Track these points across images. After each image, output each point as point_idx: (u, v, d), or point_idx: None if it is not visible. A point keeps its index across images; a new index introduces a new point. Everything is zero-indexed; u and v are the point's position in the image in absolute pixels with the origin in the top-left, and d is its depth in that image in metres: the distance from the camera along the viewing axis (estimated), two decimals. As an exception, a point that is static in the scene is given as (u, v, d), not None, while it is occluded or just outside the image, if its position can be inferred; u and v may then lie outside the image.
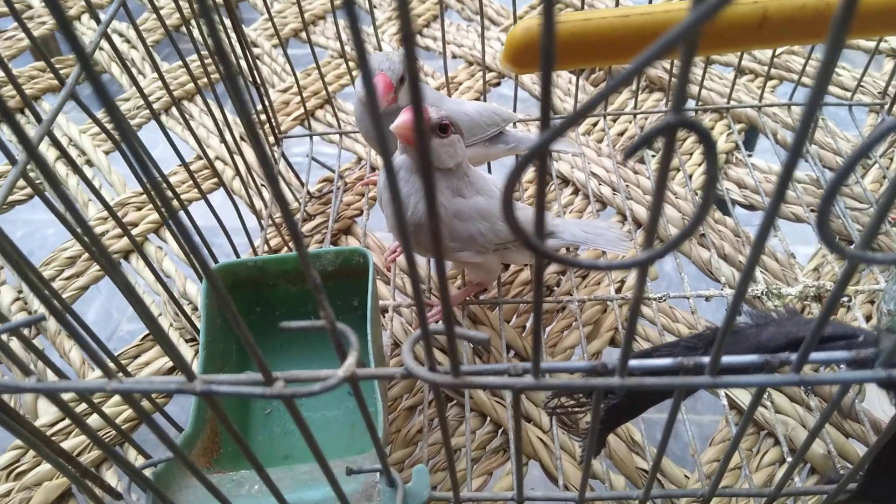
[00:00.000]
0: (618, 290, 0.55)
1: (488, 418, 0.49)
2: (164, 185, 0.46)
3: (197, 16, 0.50)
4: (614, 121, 0.70)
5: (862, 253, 0.19)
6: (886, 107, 0.62)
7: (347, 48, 0.84)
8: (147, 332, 0.56)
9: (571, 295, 0.54)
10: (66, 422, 0.50)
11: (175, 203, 0.62)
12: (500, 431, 0.48)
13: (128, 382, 0.23)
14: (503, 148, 0.55)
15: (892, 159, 0.64)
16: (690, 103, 0.71)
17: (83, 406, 0.50)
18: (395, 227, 0.45)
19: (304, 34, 0.86)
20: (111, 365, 0.40)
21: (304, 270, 0.20)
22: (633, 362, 0.23)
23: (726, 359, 0.24)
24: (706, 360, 0.24)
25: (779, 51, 0.75)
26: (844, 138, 0.65)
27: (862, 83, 0.66)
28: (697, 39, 0.15)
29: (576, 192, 0.65)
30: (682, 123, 0.15)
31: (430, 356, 0.23)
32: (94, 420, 0.50)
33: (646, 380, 0.23)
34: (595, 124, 0.70)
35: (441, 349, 0.52)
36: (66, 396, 0.49)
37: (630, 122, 0.70)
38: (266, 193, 0.65)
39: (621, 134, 0.69)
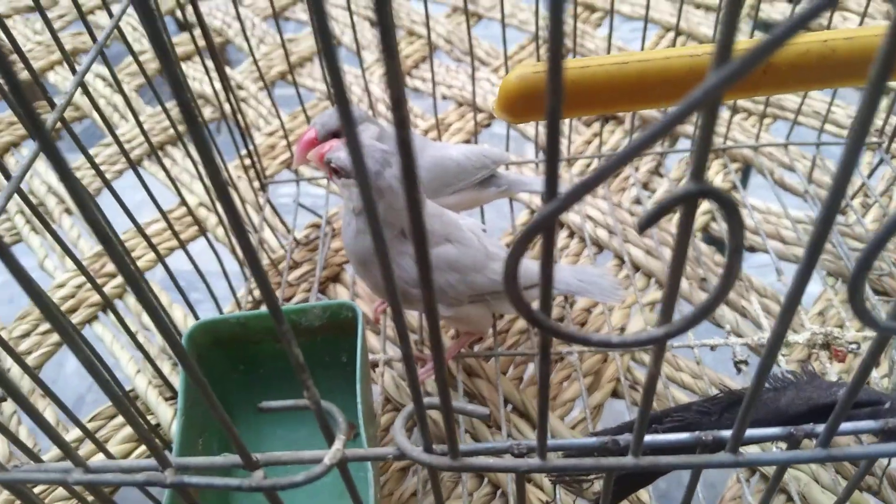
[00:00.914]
0: (622, 331, 0.53)
1: (486, 479, 0.47)
2: (141, 235, 0.44)
3: (163, 69, 0.48)
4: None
5: (894, 324, 0.17)
6: (884, 145, 0.61)
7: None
8: (127, 389, 0.54)
9: (570, 345, 0.52)
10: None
11: (150, 257, 0.60)
12: (498, 493, 0.46)
13: (93, 470, 0.21)
14: (495, 191, 0.54)
15: (891, 198, 0.63)
16: (685, 143, 0.70)
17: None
18: (377, 288, 0.44)
19: (286, 78, 0.85)
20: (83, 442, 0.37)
21: (287, 349, 0.18)
22: (646, 438, 0.21)
23: (748, 432, 0.22)
24: (725, 433, 0.22)
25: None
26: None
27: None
28: (720, 103, 0.13)
29: (571, 235, 0.63)
30: (703, 192, 0.14)
31: (425, 436, 0.21)
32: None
33: (661, 459, 0.21)
34: (588, 165, 0.69)
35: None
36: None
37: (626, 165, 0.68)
38: (252, 241, 0.63)
39: (616, 176, 0.68)
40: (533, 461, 0.21)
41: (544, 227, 0.14)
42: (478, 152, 0.51)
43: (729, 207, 0.14)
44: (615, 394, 0.51)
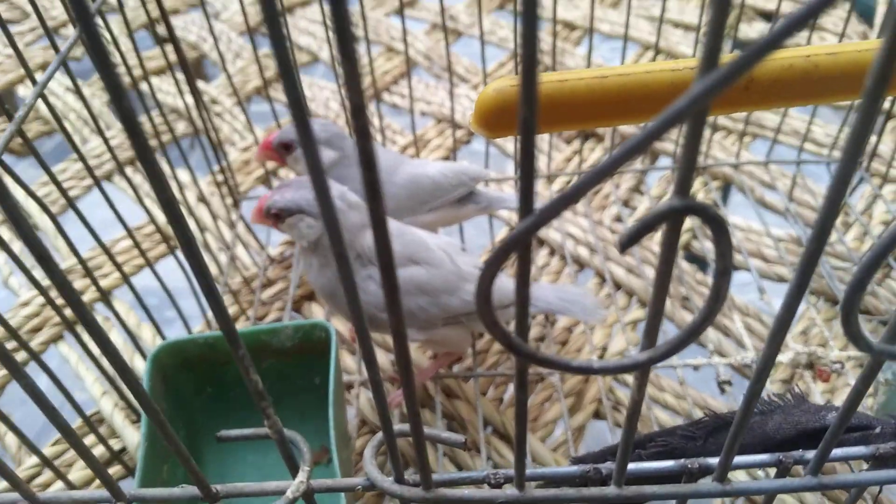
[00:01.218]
0: (600, 358, 0.52)
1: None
2: (106, 254, 0.43)
3: (110, 98, 0.47)
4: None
5: (888, 347, 0.16)
6: (864, 164, 0.61)
7: (312, 105, 0.82)
8: (90, 412, 0.52)
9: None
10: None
11: (118, 275, 0.58)
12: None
13: (43, 501, 0.20)
14: (474, 208, 0.53)
15: (871, 217, 0.62)
16: (666, 161, 0.69)
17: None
18: (349, 317, 0.43)
19: (262, 93, 0.84)
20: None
21: (244, 376, 0.17)
22: (630, 466, 0.20)
23: (736, 459, 0.21)
24: (712, 461, 0.21)
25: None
26: (822, 195, 0.64)
27: (838, 139, 0.65)
28: (707, 113, 0.12)
29: (552, 253, 0.62)
30: (688, 209, 0.13)
31: (396, 466, 0.20)
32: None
33: (646, 489, 0.20)
34: (569, 182, 0.69)
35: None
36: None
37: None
38: (223, 258, 0.61)
39: (596, 193, 0.67)
40: (511, 492, 0.20)
41: (520, 245, 0.13)
42: (455, 169, 0.50)
43: (717, 225, 0.13)
44: (597, 415, 0.50)
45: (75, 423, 0.51)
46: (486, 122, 0.28)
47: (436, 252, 0.42)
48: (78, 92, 0.38)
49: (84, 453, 0.20)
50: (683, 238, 0.62)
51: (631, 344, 0.53)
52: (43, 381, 0.41)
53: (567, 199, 0.12)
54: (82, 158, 0.39)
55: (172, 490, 0.21)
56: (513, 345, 0.15)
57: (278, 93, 0.84)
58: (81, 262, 0.38)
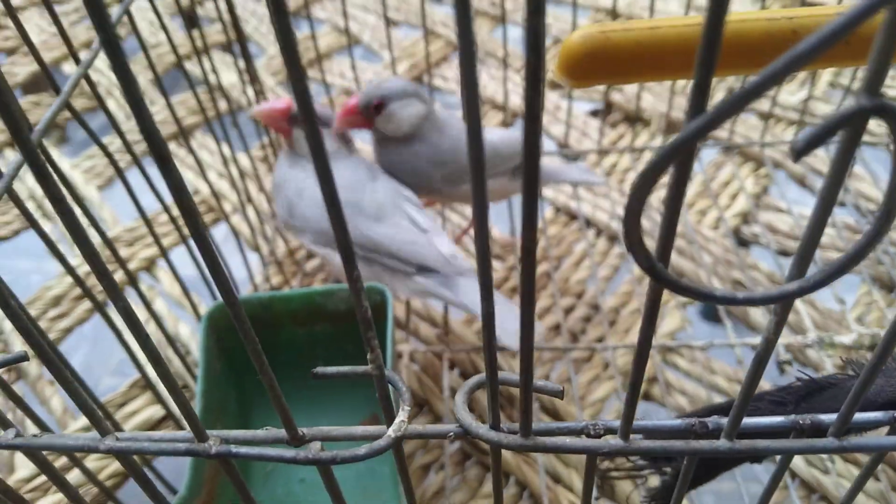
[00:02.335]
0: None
1: (512, 477, 0.44)
2: (166, 211, 0.42)
3: (200, 53, 0.47)
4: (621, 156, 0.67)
5: None
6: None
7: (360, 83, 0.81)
8: (135, 377, 0.52)
9: (602, 342, 0.50)
10: (44, 478, 0.45)
11: (172, 238, 0.58)
12: (525, 493, 0.44)
13: (125, 440, 0.19)
14: None
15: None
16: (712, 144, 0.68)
17: (63, 460, 0.45)
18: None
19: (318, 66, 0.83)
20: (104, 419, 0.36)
21: (354, 299, 0.16)
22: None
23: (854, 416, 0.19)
24: (825, 417, 0.20)
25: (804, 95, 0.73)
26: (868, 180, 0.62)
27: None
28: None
29: (598, 233, 0.61)
30: (880, 109, 0.12)
31: (495, 412, 0.19)
32: (74, 475, 0.45)
33: (759, 443, 0.19)
34: (619, 158, 0.67)
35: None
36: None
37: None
38: (268, 229, 0.61)
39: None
40: (615, 442, 0.19)
41: (684, 151, 0.12)
42: (514, 139, 0.49)
43: (905, 130, 0.12)
44: (648, 396, 0.49)
45: (123, 386, 0.51)
46: (573, 70, 0.27)
47: (366, 185, 0.45)
48: (146, 56, 0.38)
49: (173, 387, 0.19)
50: (732, 223, 0.61)
51: (686, 322, 0.52)
52: (75, 363, 0.41)
53: (748, 95, 0.11)
54: (122, 136, 0.38)
55: (257, 432, 0.20)
56: (654, 269, 0.14)
57: (316, 72, 0.83)
58: (169, 206, 0.37)
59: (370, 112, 0.45)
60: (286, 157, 0.48)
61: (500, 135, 0.48)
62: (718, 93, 0.75)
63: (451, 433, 0.20)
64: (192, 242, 0.58)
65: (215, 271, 0.16)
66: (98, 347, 0.58)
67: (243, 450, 0.18)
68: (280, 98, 0.47)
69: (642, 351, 0.16)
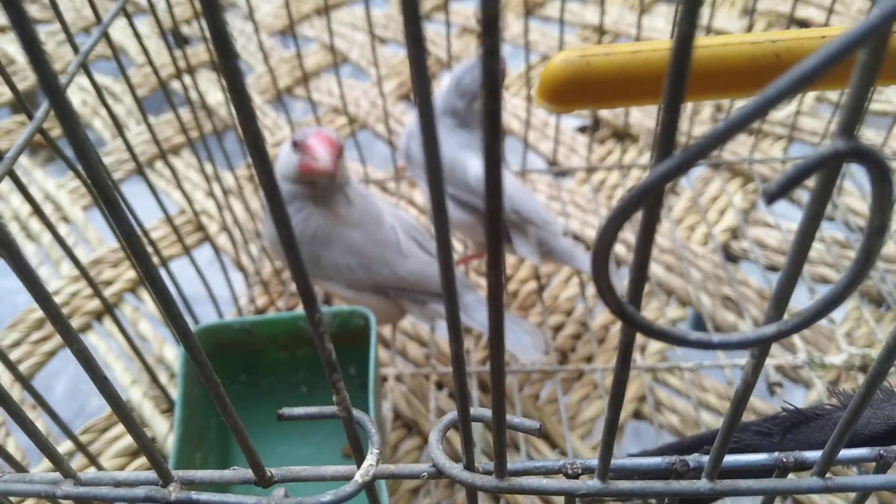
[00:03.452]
0: (642, 352, 0.50)
1: (502, 502, 0.44)
2: (143, 235, 0.41)
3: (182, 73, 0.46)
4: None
5: None
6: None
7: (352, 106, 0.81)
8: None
9: (591, 361, 0.49)
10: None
11: (154, 259, 0.57)
12: (515, 518, 0.43)
13: (87, 483, 0.18)
14: (530, 249, 0.47)
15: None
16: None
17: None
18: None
19: (292, 92, 0.83)
20: (76, 454, 0.35)
21: (317, 342, 0.15)
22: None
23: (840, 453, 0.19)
24: (809, 455, 0.19)
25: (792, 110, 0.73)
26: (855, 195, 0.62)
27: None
28: (886, 41, 0.11)
29: (588, 248, 0.61)
30: (855, 153, 0.11)
31: (469, 452, 0.18)
32: None
33: (741, 483, 0.18)
34: (606, 176, 0.67)
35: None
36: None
37: (620, 176, 0.66)
38: (254, 248, 0.60)
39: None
40: (593, 483, 0.18)
41: (653, 194, 0.12)
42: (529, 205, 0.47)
43: (882, 173, 0.11)
44: (637, 415, 0.48)
45: (106, 411, 0.51)
46: (554, 96, 0.26)
47: (384, 222, 0.44)
48: (98, 91, 0.37)
49: (132, 428, 0.18)
50: (721, 238, 0.60)
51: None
52: (60, 384, 0.39)
53: (720, 136, 0.11)
54: (128, 145, 0.38)
55: (224, 472, 0.20)
56: (625, 313, 0.13)
57: (303, 92, 0.83)
58: (121, 242, 0.36)
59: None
60: (301, 202, 0.42)
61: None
62: (706, 108, 0.75)
63: (425, 473, 0.20)
64: (172, 264, 0.58)
65: (170, 314, 0.15)
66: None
67: (205, 496, 0.17)
68: (318, 136, 0.40)
69: (617, 393, 0.16)
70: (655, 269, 0.57)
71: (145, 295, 0.59)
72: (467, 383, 0.17)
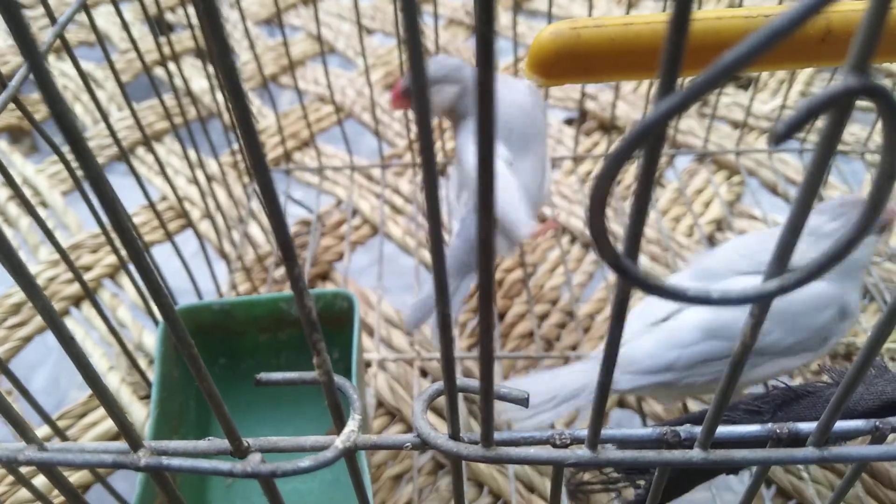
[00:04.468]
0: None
1: (486, 488, 0.43)
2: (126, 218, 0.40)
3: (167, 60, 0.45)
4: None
5: None
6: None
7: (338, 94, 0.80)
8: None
9: (576, 349, 0.49)
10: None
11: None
12: (499, 503, 0.42)
13: (53, 451, 0.17)
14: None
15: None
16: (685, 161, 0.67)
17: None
18: None
19: (278, 80, 0.82)
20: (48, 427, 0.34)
21: (296, 299, 0.15)
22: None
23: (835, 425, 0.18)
24: (803, 426, 0.19)
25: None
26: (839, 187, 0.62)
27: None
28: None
29: (573, 240, 0.60)
30: (866, 90, 0.11)
31: (454, 421, 0.18)
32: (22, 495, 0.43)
33: (734, 453, 0.18)
34: (590, 172, 0.67)
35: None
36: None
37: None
38: (236, 235, 0.59)
39: (619, 182, 0.65)
40: (582, 453, 0.18)
41: (653, 134, 0.11)
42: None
43: (892, 111, 0.11)
44: (622, 404, 0.48)
45: (83, 396, 0.50)
46: (543, 68, 0.26)
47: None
48: (80, 73, 0.36)
49: (99, 388, 0.18)
50: (708, 229, 0.60)
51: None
52: (40, 377, 0.38)
53: (720, 74, 0.10)
54: (111, 130, 0.37)
55: (198, 443, 0.19)
56: (621, 266, 0.13)
57: (289, 79, 0.82)
58: (101, 225, 0.36)
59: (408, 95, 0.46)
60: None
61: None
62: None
63: (408, 443, 0.19)
64: (155, 251, 0.57)
65: (152, 286, 0.14)
66: (65, 361, 0.56)
67: (175, 462, 0.16)
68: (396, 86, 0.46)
69: (611, 351, 0.15)
70: (640, 259, 0.57)
71: (124, 281, 0.58)
72: (454, 349, 0.16)
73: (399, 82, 0.46)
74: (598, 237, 0.12)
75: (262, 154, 0.13)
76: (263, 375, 0.18)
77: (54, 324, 0.15)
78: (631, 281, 0.13)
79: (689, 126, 0.70)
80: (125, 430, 0.18)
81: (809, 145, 0.65)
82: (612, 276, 0.55)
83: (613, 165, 0.11)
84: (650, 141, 0.11)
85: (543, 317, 0.53)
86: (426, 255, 0.58)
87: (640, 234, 0.13)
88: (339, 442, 0.17)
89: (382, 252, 0.56)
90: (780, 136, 0.11)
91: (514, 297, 0.55)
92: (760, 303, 0.14)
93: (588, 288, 0.57)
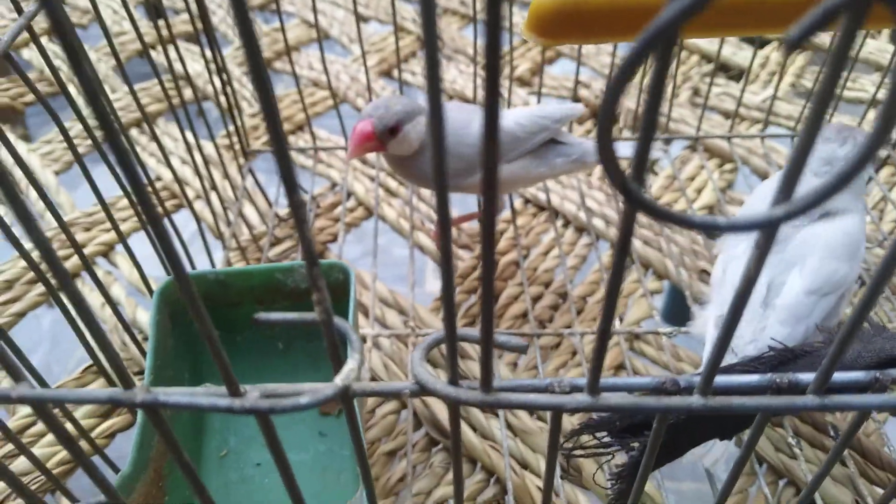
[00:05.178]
0: (620, 321, 0.50)
1: (479, 465, 0.43)
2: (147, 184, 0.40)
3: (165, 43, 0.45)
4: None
5: None
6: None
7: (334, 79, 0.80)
8: (88, 364, 0.49)
9: (570, 328, 0.49)
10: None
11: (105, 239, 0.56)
12: (492, 480, 0.42)
13: (43, 389, 0.17)
14: (563, 161, 0.47)
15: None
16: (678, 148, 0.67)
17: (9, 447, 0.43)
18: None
19: (272, 65, 0.82)
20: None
21: (297, 227, 0.15)
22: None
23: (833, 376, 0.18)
24: (803, 376, 0.19)
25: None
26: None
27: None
28: None
29: (566, 224, 0.60)
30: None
31: (453, 367, 0.18)
32: (20, 462, 0.42)
33: (734, 400, 0.18)
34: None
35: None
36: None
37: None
38: (230, 215, 0.59)
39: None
40: (582, 398, 0.18)
41: (665, 39, 0.11)
42: (532, 114, 0.45)
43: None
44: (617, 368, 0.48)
45: (80, 369, 0.49)
46: (542, 28, 0.25)
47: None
48: (112, 48, 0.36)
49: (95, 333, 0.17)
50: (699, 214, 0.60)
51: (652, 310, 0.51)
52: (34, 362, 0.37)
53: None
54: (111, 106, 0.36)
55: (195, 389, 0.19)
56: (628, 189, 0.13)
57: (285, 64, 0.81)
58: (125, 191, 0.35)
59: (385, 136, 0.43)
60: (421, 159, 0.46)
61: (514, 116, 0.45)
62: (683, 92, 0.75)
63: (408, 389, 0.19)
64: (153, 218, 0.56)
65: (161, 239, 0.14)
66: (58, 347, 0.56)
67: (172, 398, 0.16)
68: (359, 126, 0.43)
69: (612, 288, 0.15)
70: (633, 243, 0.57)
71: (119, 259, 0.58)
72: (454, 304, 0.16)
73: (361, 124, 0.43)
74: (606, 160, 0.12)
75: (275, 107, 0.13)
76: (262, 315, 0.18)
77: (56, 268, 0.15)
78: (637, 205, 0.13)
79: (682, 115, 0.70)
80: (120, 371, 0.17)
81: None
82: (605, 258, 0.55)
83: (624, 74, 0.11)
84: (660, 47, 0.11)
85: (537, 298, 0.53)
86: (421, 239, 0.58)
87: (647, 156, 0.13)
88: (339, 379, 0.17)
89: (377, 235, 0.56)
90: (794, 42, 0.11)
91: (507, 279, 0.55)
92: (767, 229, 0.14)
93: (581, 271, 0.57)
